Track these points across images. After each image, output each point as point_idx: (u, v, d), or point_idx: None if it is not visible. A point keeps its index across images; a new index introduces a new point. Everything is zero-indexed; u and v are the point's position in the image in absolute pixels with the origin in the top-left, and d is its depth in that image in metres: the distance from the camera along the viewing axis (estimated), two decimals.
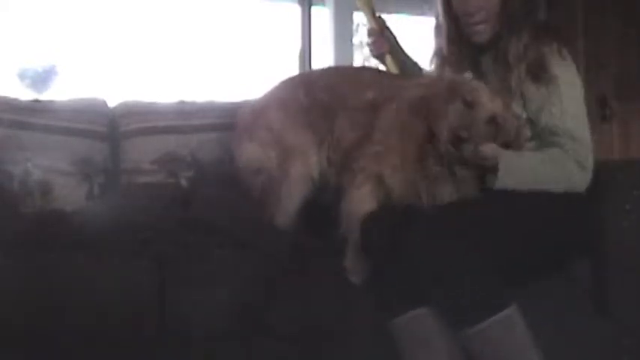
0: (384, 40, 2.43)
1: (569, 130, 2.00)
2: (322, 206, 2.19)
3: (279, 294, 1.96)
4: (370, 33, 2.46)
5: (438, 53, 2.25)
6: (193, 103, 2.72)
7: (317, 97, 2.25)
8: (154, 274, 1.92)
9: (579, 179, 2.00)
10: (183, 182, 2.50)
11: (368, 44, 2.48)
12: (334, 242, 2.05)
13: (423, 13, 3.96)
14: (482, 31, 2.11)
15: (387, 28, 2.46)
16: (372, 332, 1.96)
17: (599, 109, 2.06)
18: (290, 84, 2.38)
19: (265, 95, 2.39)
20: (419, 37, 3.97)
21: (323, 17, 3.76)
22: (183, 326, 1.92)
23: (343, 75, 2.41)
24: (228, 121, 2.60)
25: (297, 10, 3.69)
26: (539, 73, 2.03)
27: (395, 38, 2.46)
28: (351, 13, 3.76)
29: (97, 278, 1.90)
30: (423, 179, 1.99)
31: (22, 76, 3.04)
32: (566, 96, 2.03)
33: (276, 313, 1.95)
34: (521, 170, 1.98)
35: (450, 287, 1.79)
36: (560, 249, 2.01)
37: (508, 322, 1.78)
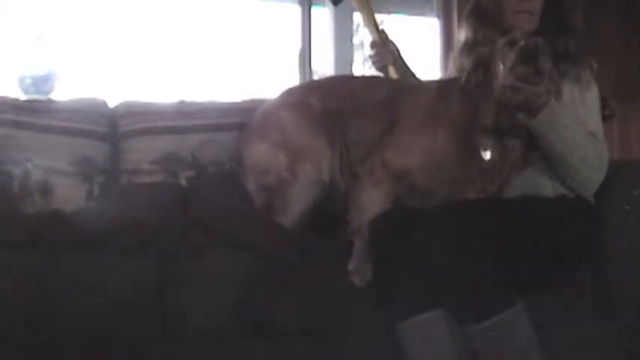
0: (386, 52, 2.43)
1: (592, 131, 2.02)
2: (328, 207, 2.18)
3: (279, 294, 1.96)
4: (373, 45, 2.47)
5: (470, 41, 2.19)
6: (193, 104, 2.71)
7: (330, 104, 2.23)
8: (153, 274, 1.92)
9: (597, 175, 2.02)
10: (183, 182, 2.50)
11: (370, 56, 2.48)
12: (337, 242, 2.05)
13: (423, 14, 3.96)
14: (528, 20, 2.10)
15: (390, 40, 2.46)
16: (373, 333, 1.96)
17: (596, 103, 2.09)
18: (303, 90, 2.38)
19: (277, 98, 2.37)
20: (419, 38, 4.00)
21: (323, 17, 3.75)
22: (183, 326, 1.92)
23: (353, 81, 2.41)
24: (228, 121, 2.60)
25: (297, 10, 3.68)
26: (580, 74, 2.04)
27: (398, 50, 2.46)
28: (351, 13, 3.76)
29: (97, 278, 1.90)
30: (466, 165, 2.00)
31: (21, 81, 3.04)
32: (589, 101, 2.06)
33: (277, 313, 1.95)
34: (560, 124, 1.95)
35: (456, 285, 1.79)
36: (566, 253, 2.01)
37: (512, 322, 1.79)
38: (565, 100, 2.00)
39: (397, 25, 3.98)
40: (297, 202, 2.15)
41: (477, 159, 2.00)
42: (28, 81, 3.02)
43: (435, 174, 2.02)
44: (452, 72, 2.26)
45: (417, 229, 1.87)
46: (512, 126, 1.96)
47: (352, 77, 2.65)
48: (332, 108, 2.22)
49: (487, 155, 1.99)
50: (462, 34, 2.21)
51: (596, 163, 2.01)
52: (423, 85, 2.23)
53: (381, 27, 2.49)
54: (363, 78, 2.46)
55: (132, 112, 2.64)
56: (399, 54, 2.46)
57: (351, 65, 3.77)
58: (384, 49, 2.44)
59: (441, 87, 2.13)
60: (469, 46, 2.15)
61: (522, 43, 1.87)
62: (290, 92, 2.37)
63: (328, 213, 2.17)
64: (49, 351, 1.86)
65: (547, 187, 2.05)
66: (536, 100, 1.89)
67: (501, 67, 1.91)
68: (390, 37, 2.48)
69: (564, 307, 2.05)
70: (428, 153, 2.03)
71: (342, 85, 2.32)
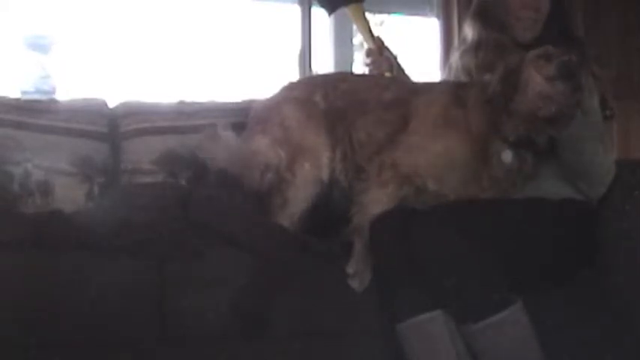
0: (383, 60, 2.42)
1: (600, 137, 2.03)
2: (329, 207, 2.18)
3: (279, 294, 1.96)
4: (369, 53, 2.45)
5: (475, 41, 2.19)
6: (193, 103, 2.71)
7: (334, 102, 2.22)
8: (153, 274, 1.92)
9: (608, 179, 2.04)
10: (183, 182, 2.50)
11: (367, 64, 2.46)
12: (337, 242, 2.05)
13: (423, 14, 3.96)
14: (532, 27, 2.10)
15: (386, 47, 2.45)
16: (374, 333, 1.96)
17: (599, 109, 2.09)
18: (306, 85, 2.35)
19: (280, 93, 2.35)
20: (419, 38, 4.00)
21: (323, 17, 3.76)
22: (183, 326, 1.92)
23: (359, 79, 2.39)
24: (228, 121, 2.60)
25: (297, 10, 3.69)
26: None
27: (395, 57, 2.44)
28: None
29: (96, 278, 1.90)
30: (478, 173, 1.99)
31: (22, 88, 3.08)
32: (594, 108, 2.03)
33: (277, 313, 1.95)
34: (584, 135, 1.96)
35: (457, 284, 1.79)
36: (566, 254, 2.01)
37: (512, 320, 1.79)
38: None
39: (397, 25, 3.99)
40: (296, 201, 2.15)
41: (490, 168, 2.00)
42: (29, 84, 3.04)
43: (445, 178, 2.01)
44: (454, 71, 2.25)
45: (417, 229, 1.87)
46: (534, 139, 1.96)
47: (358, 75, 2.65)
48: (337, 106, 2.21)
49: (505, 166, 1.99)
50: (467, 34, 2.20)
51: (606, 168, 2.04)
52: (434, 86, 2.22)
53: (376, 34, 2.48)
54: (370, 77, 2.44)
55: (132, 112, 2.64)
56: (396, 60, 2.44)
57: (351, 66, 3.77)
58: (380, 57, 2.42)
59: (456, 91, 2.10)
60: (474, 47, 2.14)
61: (563, 58, 1.87)
62: (293, 87, 2.35)
63: (329, 213, 2.17)
64: (49, 351, 1.86)
65: (550, 192, 2.05)
66: (568, 114, 1.90)
67: (537, 77, 1.90)
68: (386, 43, 2.46)
69: (564, 306, 2.05)
70: (440, 156, 2.01)
71: (348, 82, 2.30)
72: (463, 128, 2.02)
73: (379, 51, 2.43)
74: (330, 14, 2.67)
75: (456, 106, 2.05)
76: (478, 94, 2.02)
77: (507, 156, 1.99)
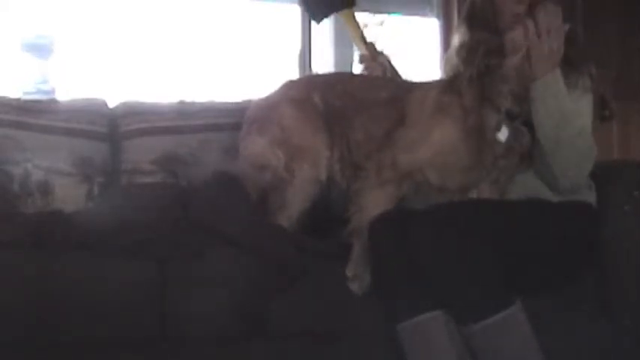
0: (376, 66, 2.41)
1: (583, 126, 2.01)
2: (328, 207, 2.18)
3: (279, 295, 1.96)
4: (362, 59, 2.44)
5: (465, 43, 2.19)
6: (193, 104, 2.72)
7: (331, 102, 2.22)
8: (153, 274, 1.93)
9: (585, 164, 2.00)
10: (183, 182, 2.50)
11: (361, 71, 2.45)
12: (336, 242, 2.05)
13: (423, 14, 3.96)
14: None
15: (380, 52, 2.44)
16: (373, 333, 1.96)
17: (599, 110, 2.08)
18: (304, 85, 2.35)
19: (277, 92, 2.34)
20: (419, 38, 4.00)
21: None
22: (183, 326, 1.92)
23: (356, 80, 2.39)
24: (228, 121, 2.60)
25: (297, 10, 3.69)
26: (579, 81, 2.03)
27: (389, 61, 2.44)
28: None
29: (96, 278, 1.90)
30: (479, 152, 1.99)
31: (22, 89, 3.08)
32: (583, 105, 2.03)
33: (276, 313, 1.95)
34: (561, 92, 1.95)
35: (457, 284, 1.79)
36: (566, 254, 2.01)
37: (512, 320, 1.79)
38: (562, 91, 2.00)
39: (397, 25, 3.99)
40: (295, 202, 2.15)
41: (490, 142, 2.00)
42: (29, 86, 3.05)
43: (446, 167, 2.01)
44: (446, 74, 2.25)
45: (416, 230, 1.87)
46: (522, 108, 1.97)
47: (355, 75, 2.65)
48: (335, 106, 2.21)
49: (502, 136, 1.99)
50: (456, 38, 2.20)
51: (585, 151, 1.99)
52: (428, 83, 2.23)
53: (369, 40, 2.46)
54: (366, 77, 2.44)
55: (132, 112, 2.65)
56: (390, 64, 2.44)
57: (351, 66, 3.76)
58: (373, 63, 2.42)
59: (447, 82, 2.11)
60: (463, 49, 2.14)
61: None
62: (291, 86, 2.34)
63: (328, 213, 2.17)
64: (49, 351, 1.86)
65: (548, 194, 2.05)
66: (555, 53, 1.90)
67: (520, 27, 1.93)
68: (380, 48, 2.45)
69: (564, 307, 2.05)
70: (439, 146, 2.01)
71: (346, 83, 2.30)
72: (458, 111, 2.02)
73: (372, 57, 2.42)
74: (318, 22, 2.66)
75: (449, 93, 2.05)
76: (469, 77, 2.02)
77: (504, 134, 1.99)
